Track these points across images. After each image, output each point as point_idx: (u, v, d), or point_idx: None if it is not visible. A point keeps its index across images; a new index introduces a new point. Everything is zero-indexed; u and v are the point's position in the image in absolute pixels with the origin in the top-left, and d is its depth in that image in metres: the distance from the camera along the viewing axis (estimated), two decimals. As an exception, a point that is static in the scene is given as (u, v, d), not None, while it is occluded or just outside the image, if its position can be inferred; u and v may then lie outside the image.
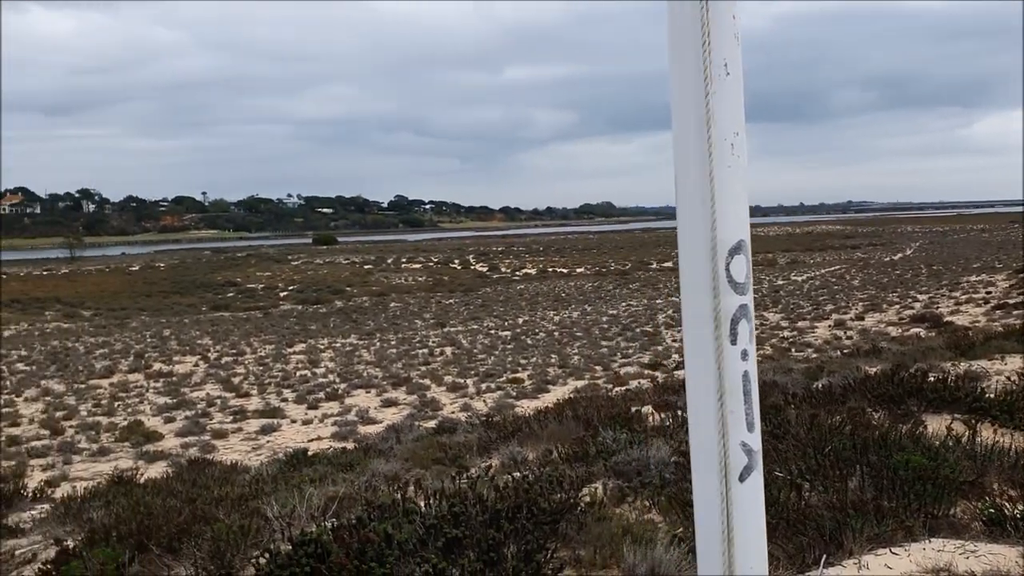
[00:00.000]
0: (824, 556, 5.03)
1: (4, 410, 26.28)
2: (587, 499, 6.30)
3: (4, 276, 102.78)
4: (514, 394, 24.63)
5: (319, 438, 20.59)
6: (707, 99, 1.96)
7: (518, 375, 28.26)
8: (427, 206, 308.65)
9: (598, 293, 63.50)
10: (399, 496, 6.72)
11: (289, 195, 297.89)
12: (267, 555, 6.01)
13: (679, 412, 9.60)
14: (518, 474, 7.47)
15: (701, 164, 1.98)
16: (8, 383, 31.60)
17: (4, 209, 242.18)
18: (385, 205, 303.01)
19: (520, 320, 47.06)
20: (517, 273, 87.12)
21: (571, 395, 19.14)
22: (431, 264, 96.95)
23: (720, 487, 2.00)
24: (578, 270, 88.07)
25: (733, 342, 1.99)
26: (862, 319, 37.86)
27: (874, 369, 12.83)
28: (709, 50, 1.95)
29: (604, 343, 35.63)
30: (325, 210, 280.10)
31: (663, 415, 10.03)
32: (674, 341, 34.98)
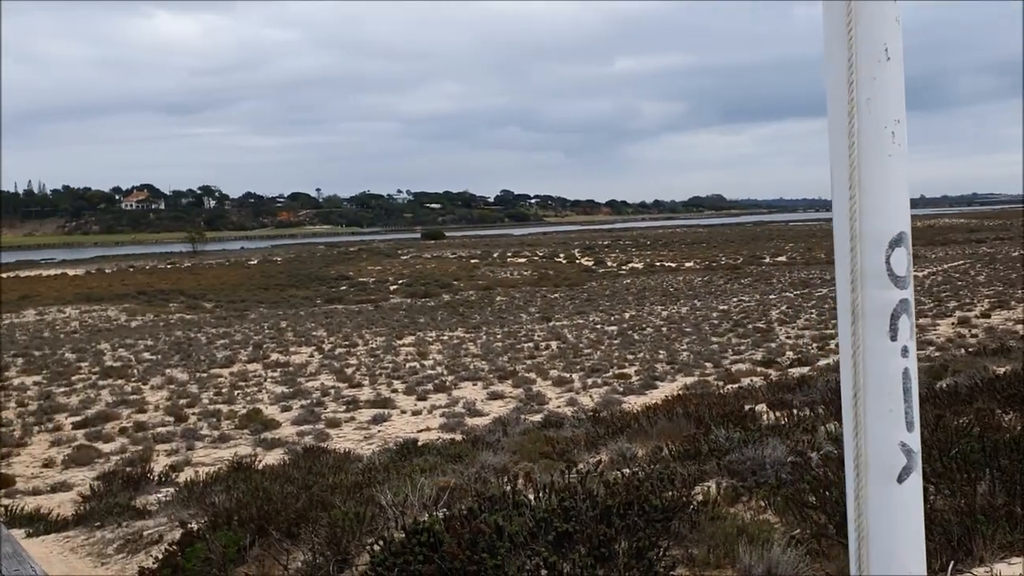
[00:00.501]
0: (952, 563, 4.80)
1: (132, 397, 27.65)
2: (700, 498, 6.19)
3: (132, 268, 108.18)
4: (621, 390, 24.47)
5: (428, 429, 20.92)
6: (866, 85, 1.89)
7: (625, 371, 28.06)
8: (533, 200, 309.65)
9: (708, 288, 62.45)
10: (509, 488, 6.75)
11: (399, 191, 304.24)
12: (381, 542, 6.12)
13: (795, 411, 9.35)
14: (628, 470, 7.40)
15: (860, 153, 1.91)
16: (135, 371, 33.23)
17: (131, 205, 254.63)
18: (491, 200, 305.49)
19: (627, 315, 46.71)
20: (624, 267, 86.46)
21: (680, 392, 18.88)
22: (536, 258, 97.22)
23: (876, 489, 1.93)
24: (687, 264, 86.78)
25: (893, 338, 1.92)
26: (988, 316, 36.09)
27: (1003, 369, 12.20)
28: (868, 33, 1.88)
29: (714, 339, 35.03)
30: (433, 205, 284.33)
31: (778, 414, 9.78)
32: (788, 338, 34.11)
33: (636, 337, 37.00)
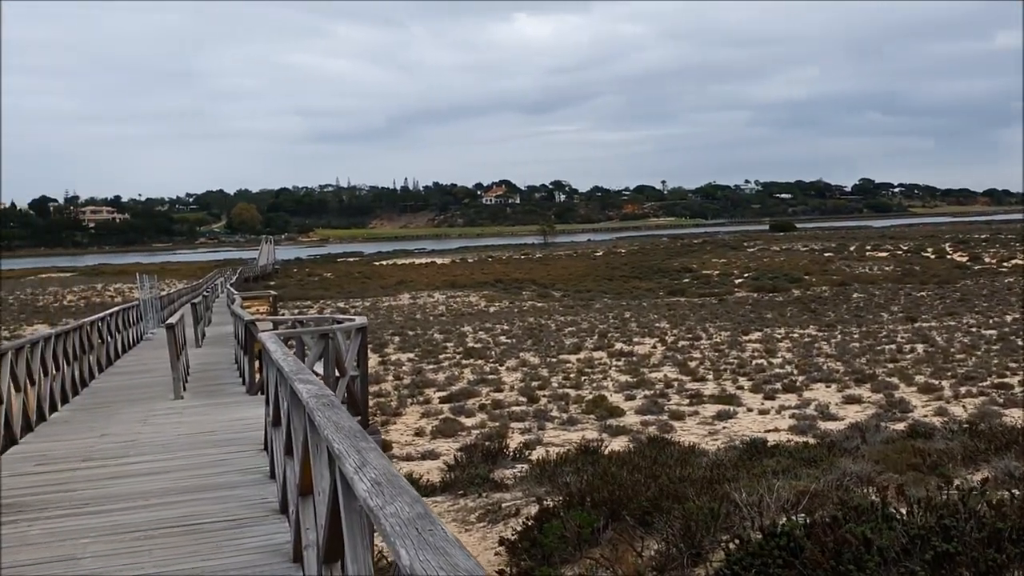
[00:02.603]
0: None
1: (490, 377, 29.63)
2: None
3: (490, 259, 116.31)
4: (1000, 401, 21.88)
5: (776, 429, 20.15)
6: None
7: (1006, 380, 25.06)
8: (895, 190, 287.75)
9: (1108, 290, 53.99)
10: (877, 499, 6.24)
11: (746, 181, 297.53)
12: (737, 541, 5.92)
13: None
14: (1018, 492, 6.54)
15: None
16: (493, 353, 35.57)
17: (491, 200, 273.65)
18: (848, 189, 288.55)
19: (1008, 318, 41.73)
20: (1005, 264, 77.24)
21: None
22: (899, 252, 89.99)
23: None
24: (1084, 262, 75.64)
25: None
26: None
27: None
28: None
29: (1118, 349, 30.18)
30: (783, 196, 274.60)
31: None
32: None
33: (1020, 343, 32.91)
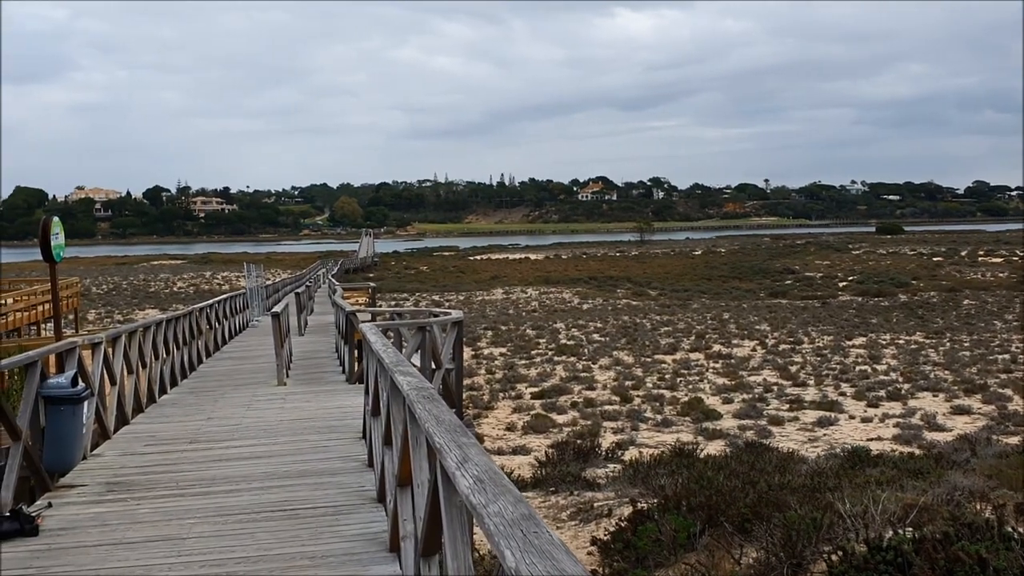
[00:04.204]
0: None
1: (582, 375, 29.52)
2: None
3: (584, 255, 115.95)
4: (1124, 417, 20.68)
5: (879, 438, 19.50)
6: None
7: None
8: (1012, 193, 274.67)
9: None
10: (993, 517, 5.95)
11: (852, 182, 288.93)
12: (840, 553, 5.72)
13: None
14: None
15: None
16: (586, 351, 35.44)
17: (587, 196, 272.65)
18: (961, 192, 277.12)
19: None
20: None
21: None
22: (1015, 258, 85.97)
23: None
24: None
25: None
26: None
27: None
28: None
29: None
30: (891, 197, 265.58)
31: None
32: None
33: None
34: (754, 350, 35.05)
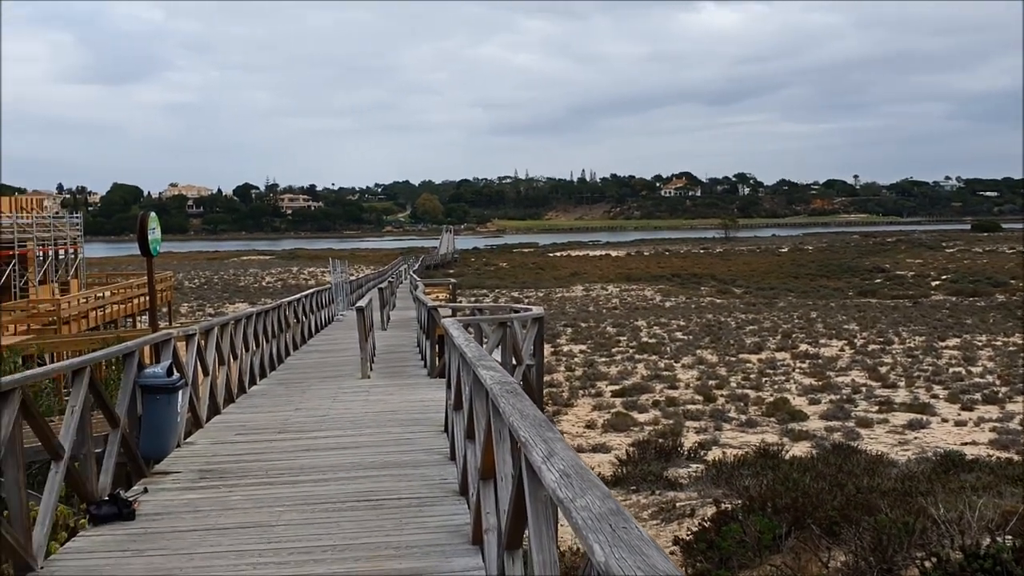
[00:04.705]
0: None
1: (664, 373, 29.23)
2: None
3: (667, 252, 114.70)
4: None
5: (974, 443, 18.81)
6: None
7: None
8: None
9: None
10: (1099, 527, 5.68)
11: (947, 178, 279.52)
12: (934, 559, 5.55)
13: None
14: None
15: None
16: (668, 349, 35.08)
17: (670, 192, 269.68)
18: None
19: None
20: None
21: None
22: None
23: None
24: None
25: None
26: None
27: None
28: None
29: None
30: (988, 194, 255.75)
31: None
32: None
33: None
34: (842, 350, 34.19)
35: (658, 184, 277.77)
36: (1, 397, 5.63)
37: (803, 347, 35.02)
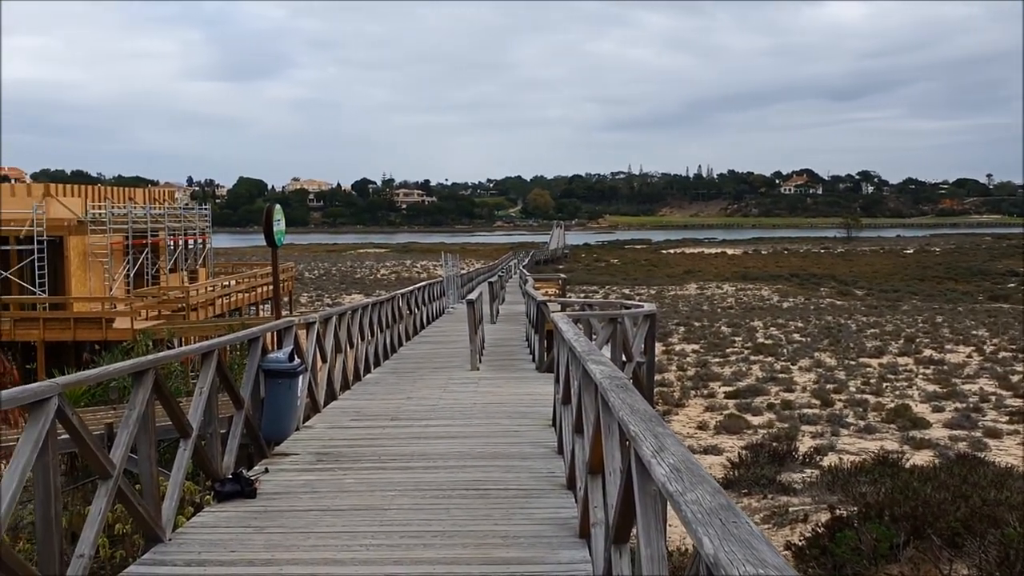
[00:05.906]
0: None
1: (780, 375, 28.51)
2: None
3: (786, 251, 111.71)
4: None
5: (1116, 458, 17.67)
6: None
7: None
8: None
9: None
10: None
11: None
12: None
13: None
14: None
15: None
16: (784, 351, 34.18)
17: (790, 190, 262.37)
18: None
19: None
20: None
21: None
22: None
23: None
24: None
25: None
26: None
27: None
28: None
29: None
30: None
31: None
32: None
33: None
34: (970, 356, 32.62)
35: (777, 181, 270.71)
36: (136, 376, 5.96)
37: (927, 352, 33.58)
